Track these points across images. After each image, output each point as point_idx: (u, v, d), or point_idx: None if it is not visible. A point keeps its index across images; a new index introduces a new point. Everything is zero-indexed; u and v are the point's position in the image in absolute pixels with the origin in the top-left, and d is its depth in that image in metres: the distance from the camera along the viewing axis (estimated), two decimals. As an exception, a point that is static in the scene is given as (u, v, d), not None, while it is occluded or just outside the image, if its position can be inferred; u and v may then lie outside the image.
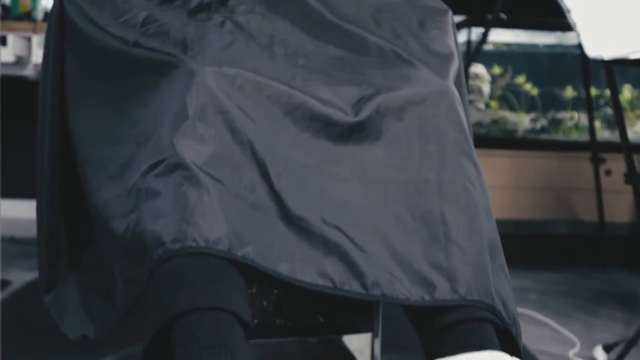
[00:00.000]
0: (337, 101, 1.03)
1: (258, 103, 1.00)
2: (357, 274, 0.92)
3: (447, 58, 1.20)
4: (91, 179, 1.08)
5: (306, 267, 0.91)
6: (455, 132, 1.06)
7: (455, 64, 1.21)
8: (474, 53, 2.76)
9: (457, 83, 1.21)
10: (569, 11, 2.14)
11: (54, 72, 1.23)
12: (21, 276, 2.65)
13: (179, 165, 0.91)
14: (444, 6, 1.39)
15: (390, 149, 1.03)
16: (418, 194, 1.00)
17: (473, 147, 1.08)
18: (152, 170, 0.92)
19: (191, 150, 0.92)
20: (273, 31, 1.21)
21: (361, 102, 1.04)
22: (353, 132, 1.02)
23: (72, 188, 1.25)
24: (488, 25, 2.71)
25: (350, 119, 1.02)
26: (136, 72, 1.06)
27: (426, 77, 1.10)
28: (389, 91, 1.06)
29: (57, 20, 1.22)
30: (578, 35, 2.07)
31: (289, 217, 0.93)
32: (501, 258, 1.03)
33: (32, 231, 3.48)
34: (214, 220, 0.88)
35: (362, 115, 1.03)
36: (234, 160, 0.95)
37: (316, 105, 1.02)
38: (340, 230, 0.94)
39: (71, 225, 1.31)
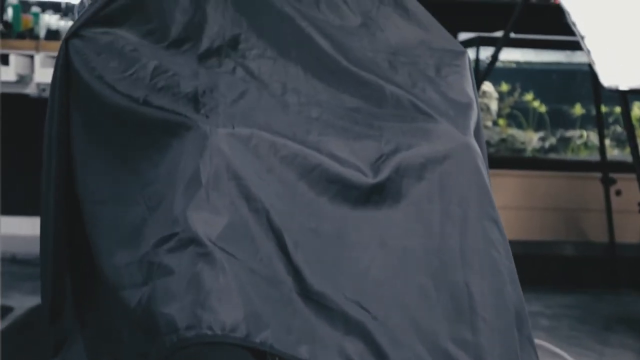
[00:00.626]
0: (354, 160, 0.99)
1: (273, 165, 0.96)
2: (380, 355, 0.88)
3: (466, 108, 1.15)
4: (100, 242, 1.04)
5: (327, 349, 0.87)
6: (477, 193, 1.02)
7: (475, 113, 1.17)
8: (484, 73, 2.72)
9: (477, 132, 1.17)
10: (582, 37, 2.10)
11: (59, 127, 1.18)
12: (23, 301, 2.61)
13: (193, 241, 0.86)
14: (460, 47, 1.35)
15: (411, 212, 0.98)
16: (441, 264, 0.96)
17: (496, 207, 1.04)
18: (165, 244, 0.88)
19: (205, 223, 0.88)
20: (285, 78, 1.17)
21: (380, 160, 1.00)
22: (372, 195, 0.98)
23: (76, 242, 1.20)
24: (499, 45, 2.66)
25: (369, 180, 0.98)
26: (146, 132, 1.02)
27: (446, 131, 1.05)
28: (408, 148, 1.02)
29: (62, 72, 1.17)
30: (592, 64, 2.02)
31: (307, 294, 0.89)
32: (528, 329, 0.99)
33: (33, 249, 3.45)
34: (231, 303, 0.84)
35: (382, 176, 0.99)
36: (249, 231, 0.90)
37: (333, 166, 0.98)
38: (361, 306, 0.90)
39: (76, 277, 1.27)
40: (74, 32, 1.18)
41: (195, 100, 1.02)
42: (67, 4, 3.92)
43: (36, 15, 3.73)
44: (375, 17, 1.37)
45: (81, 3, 1.36)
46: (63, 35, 3.37)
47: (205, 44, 1.23)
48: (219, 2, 1.31)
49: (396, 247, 0.96)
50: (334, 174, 0.97)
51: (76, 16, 1.38)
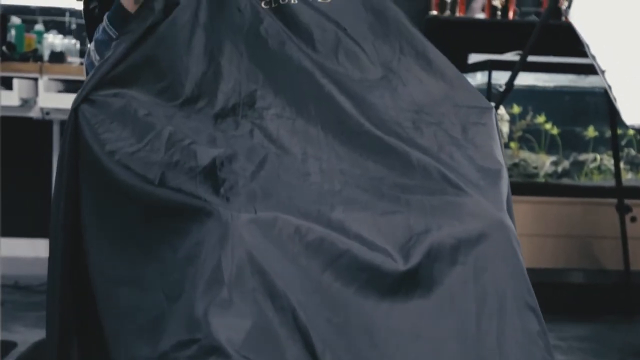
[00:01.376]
0: (383, 243, 0.93)
1: (297, 254, 0.90)
2: None
3: (496, 176, 1.10)
4: (115, 326, 0.98)
5: None
6: (513, 278, 0.96)
7: (506, 181, 1.12)
8: (499, 99, 2.65)
9: (507, 199, 1.12)
10: (603, 72, 2.04)
11: (67, 200, 1.12)
12: (27, 335, 2.56)
13: (215, 350, 0.81)
14: (486, 103, 1.29)
15: (445, 301, 0.92)
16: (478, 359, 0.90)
17: (532, 291, 0.98)
18: (185, 349, 0.83)
19: (227, 328, 0.82)
20: (305, 142, 1.12)
21: (410, 243, 0.94)
22: (402, 283, 0.92)
23: (84, 322, 1.14)
24: (515, 70, 2.60)
25: (400, 267, 0.92)
26: (164, 214, 0.95)
27: (479, 207, 1.00)
28: (439, 228, 0.95)
29: (71, 142, 1.10)
30: (614, 101, 1.96)
31: None
32: None
33: (34, 271, 3.40)
34: None
35: (413, 262, 0.92)
36: (274, 334, 0.85)
37: (362, 251, 0.92)
38: None
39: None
40: (84, 97, 1.11)
41: (213, 176, 0.96)
42: (70, 22, 3.88)
43: (39, 33, 3.68)
44: (396, 69, 1.31)
45: (88, 56, 1.30)
46: (67, 57, 3.34)
47: (220, 101, 1.18)
48: (233, 54, 1.26)
49: (430, 340, 0.91)
50: (363, 261, 0.91)
51: (84, 72, 1.32)
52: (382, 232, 0.95)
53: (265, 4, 1.34)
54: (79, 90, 1.14)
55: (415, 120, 1.19)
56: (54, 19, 3.90)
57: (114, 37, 1.23)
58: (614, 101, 1.98)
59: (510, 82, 2.55)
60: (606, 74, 2.02)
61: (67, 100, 3.05)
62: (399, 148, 1.09)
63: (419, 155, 1.07)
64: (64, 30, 3.85)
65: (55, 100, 3.05)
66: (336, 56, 1.31)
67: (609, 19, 2.11)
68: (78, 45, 3.67)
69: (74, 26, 3.83)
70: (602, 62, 2.04)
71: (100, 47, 1.25)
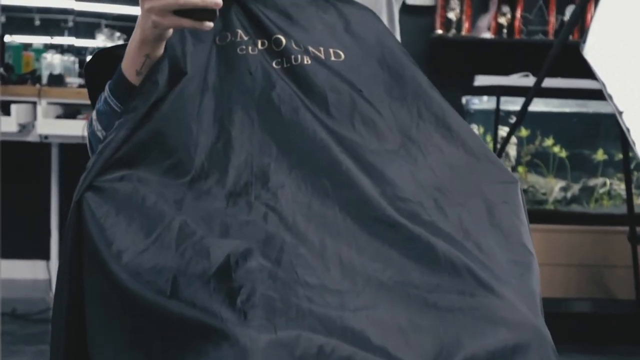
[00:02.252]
0: (411, 359, 0.86)
1: None
2: None
3: (527, 269, 1.04)
4: None
5: None
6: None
7: (536, 271, 1.06)
8: (512, 128, 2.58)
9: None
10: (620, 113, 1.98)
11: (70, 302, 1.04)
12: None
13: None
14: (511, 176, 1.23)
15: None
16: None
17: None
18: None
19: None
20: (323, 229, 1.05)
21: (440, 357, 0.87)
22: None
23: None
24: (529, 97, 2.53)
25: None
26: (177, 330, 0.88)
27: (512, 313, 0.93)
28: (471, 339, 0.89)
29: (74, 237, 1.03)
30: (632, 144, 1.90)
31: None
32: None
33: (32, 294, 3.34)
34: None
35: None
36: None
37: None
38: None
39: None
40: (89, 184, 1.04)
41: (228, 279, 0.89)
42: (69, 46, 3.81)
43: (38, 51, 3.61)
44: (415, 137, 1.24)
45: (90, 125, 1.23)
46: (66, 78, 3.27)
47: (231, 177, 1.11)
48: (244, 122, 1.19)
49: None
50: None
51: (87, 141, 1.25)
52: (409, 344, 0.88)
53: (276, 64, 1.28)
54: (83, 176, 1.06)
55: (437, 199, 1.12)
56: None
57: (117, 109, 1.16)
58: (632, 145, 1.91)
59: (521, 115, 2.48)
60: (624, 115, 1.96)
61: (65, 126, 2.99)
62: (424, 238, 1.02)
63: (444, 248, 1.00)
64: (62, 49, 3.79)
65: (53, 127, 2.98)
66: (352, 122, 1.24)
67: (626, 57, 2.04)
68: (77, 64, 3.61)
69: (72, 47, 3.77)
70: (619, 102, 1.98)
71: (102, 118, 1.18)
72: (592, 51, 2.08)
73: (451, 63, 3.74)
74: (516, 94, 3.13)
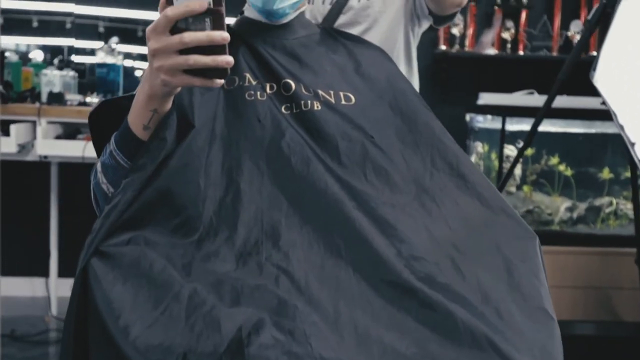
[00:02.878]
0: None
1: None
2: None
3: (550, 336, 1.00)
4: None
5: None
6: None
7: (558, 337, 1.02)
8: (518, 155, 2.54)
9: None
10: (633, 144, 1.94)
11: None
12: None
13: None
14: (529, 231, 1.19)
15: None
16: None
17: None
18: None
19: None
20: (337, 293, 1.01)
21: None
22: None
23: None
24: (539, 117, 2.48)
25: None
26: None
27: None
28: None
29: (79, 306, 0.99)
30: (646, 177, 1.86)
31: None
32: None
33: (30, 312, 3.30)
34: None
35: None
36: None
37: None
38: None
39: None
40: (95, 250, 1.00)
41: (241, 358, 0.86)
42: (68, 60, 3.77)
43: (37, 66, 3.57)
44: (429, 188, 1.21)
45: (95, 176, 1.18)
46: (65, 96, 3.23)
47: (241, 234, 1.07)
48: (254, 174, 1.15)
49: None
50: None
51: (91, 193, 1.20)
52: None
53: (286, 109, 1.24)
54: (88, 241, 1.02)
55: (454, 258, 1.09)
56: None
57: (123, 163, 1.12)
58: (645, 178, 1.88)
59: (529, 138, 2.44)
60: (636, 147, 1.92)
61: (65, 147, 2.95)
62: (441, 305, 0.98)
63: (463, 316, 0.97)
64: (62, 64, 3.75)
65: (53, 147, 2.95)
66: (364, 172, 1.20)
67: (638, 86, 2.00)
68: (76, 79, 3.57)
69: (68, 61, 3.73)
70: (631, 133, 1.94)
71: (108, 172, 1.14)
72: (603, 78, 2.05)
73: (455, 79, 3.71)
74: (522, 114, 3.10)
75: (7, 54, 3.56)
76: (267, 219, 1.10)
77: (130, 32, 3.85)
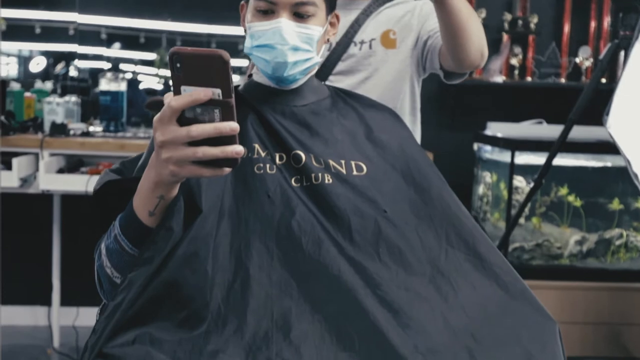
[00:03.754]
0: None
1: None
2: None
3: None
4: None
5: None
6: None
7: None
8: (529, 195, 2.50)
9: None
10: (636, 175, 1.91)
11: None
12: None
13: None
14: (547, 315, 1.15)
15: None
16: None
17: None
18: None
19: None
20: None
21: None
22: None
23: None
24: (553, 151, 2.44)
25: None
26: None
27: None
28: None
29: None
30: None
31: None
32: None
33: (32, 341, 3.26)
34: None
35: None
36: None
37: None
38: None
39: None
40: (98, 352, 0.96)
41: None
42: (67, 86, 3.74)
43: (40, 93, 3.54)
44: (444, 269, 1.17)
45: (99, 257, 1.14)
46: (68, 125, 3.20)
47: (250, 325, 1.04)
48: (263, 257, 1.12)
49: None
50: None
51: (98, 281, 1.17)
52: None
53: (296, 182, 1.20)
54: (92, 342, 0.99)
55: (471, 349, 1.05)
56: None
57: (128, 249, 1.08)
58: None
59: (539, 179, 2.40)
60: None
61: (68, 182, 2.91)
62: None
63: None
64: (65, 91, 3.72)
65: (55, 182, 2.91)
66: (377, 251, 1.17)
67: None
68: (79, 105, 3.54)
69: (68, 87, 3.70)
70: (636, 168, 1.90)
71: (112, 256, 1.10)
72: (615, 124, 2.01)
73: (462, 106, 3.67)
74: (532, 148, 3.06)
75: (11, 83, 3.53)
76: (277, 308, 1.07)
77: (133, 39, 3.89)
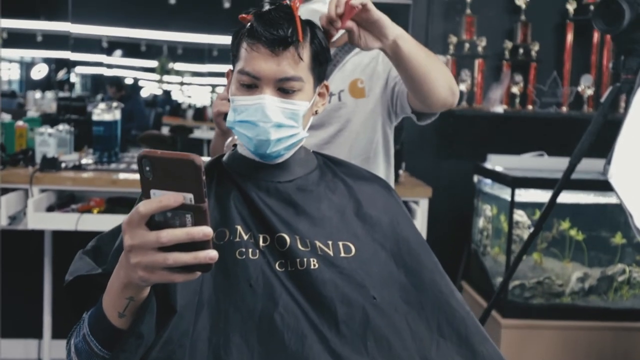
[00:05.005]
0: None
1: None
2: None
3: None
4: None
5: None
6: None
7: None
8: (529, 240, 2.43)
9: None
10: (638, 230, 1.84)
11: None
12: None
13: None
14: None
15: None
16: None
17: None
18: None
19: None
20: None
21: None
22: None
23: None
24: (558, 189, 2.36)
25: None
26: None
27: None
28: None
29: None
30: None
31: None
32: None
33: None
34: None
35: None
36: None
37: None
38: None
39: None
40: None
41: None
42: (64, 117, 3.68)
43: (31, 121, 3.48)
44: None
45: (68, 354, 1.08)
46: (60, 157, 3.13)
47: None
48: (243, 353, 1.06)
49: None
50: None
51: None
52: None
53: (280, 266, 1.14)
54: None
55: None
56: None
57: (97, 351, 1.01)
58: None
59: (539, 224, 2.33)
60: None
61: (57, 221, 2.84)
62: None
63: None
64: (57, 120, 3.66)
65: (44, 222, 2.84)
66: (364, 344, 1.10)
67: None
68: (72, 134, 3.48)
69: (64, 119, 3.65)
70: (638, 223, 1.84)
71: (81, 356, 1.04)
72: (617, 174, 1.94)
73: (462, 136, 3.60)
74: (531, 186, 2.99)
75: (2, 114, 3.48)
76: None
77: (134, 46, 3.91)
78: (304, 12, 1.27)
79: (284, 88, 1.18)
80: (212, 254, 0.90)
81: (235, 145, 1.33)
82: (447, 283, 1.22)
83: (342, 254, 1.19)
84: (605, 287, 3.06)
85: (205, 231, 0.89)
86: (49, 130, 3.34)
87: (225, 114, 1.56)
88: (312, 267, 1.15)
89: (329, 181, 1.30)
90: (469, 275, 3.48)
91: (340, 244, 1.20)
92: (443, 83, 1.45)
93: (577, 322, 2.92)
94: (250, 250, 1.15)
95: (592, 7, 3.49)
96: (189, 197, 0.88)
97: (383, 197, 1.32)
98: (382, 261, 1.21)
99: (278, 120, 1.17)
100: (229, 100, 1.24)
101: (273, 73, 1.16)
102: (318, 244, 1.18)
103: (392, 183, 1.82)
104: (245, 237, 1.16)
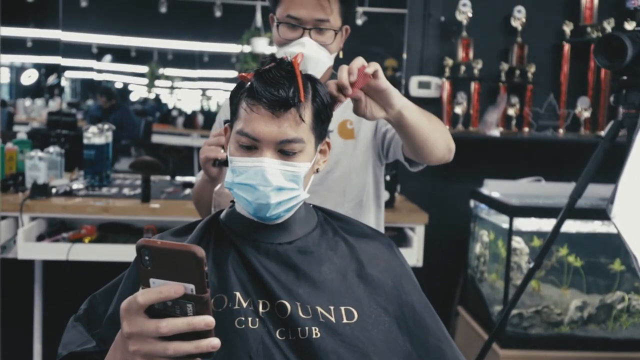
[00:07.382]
0: None
1: None
2: None
3: None
4: None
5: None
6: None
7: None
8: (528, 274, 2.39)
9: None
10: None
11: None
12: None
13: None
14: None
15: None
16: None
17: None
18: None
19: None
20: None
21: None
22: None
23: None
24: (561, 219, 2.33)
25: None
26: None
27: None
28: None
29: None
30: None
31: None
32: None
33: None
34: None
35: None
36: None
37: None
38: None
39: None
40: None
41: None
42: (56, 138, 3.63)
43: (21, 143, 3.43)
44: None
45: None
46: (50, 182, 3.08)
47: None
48: None
49: None
50: None
51: None
52: None
53: (280, 334, 1.10)
54: None
55: None
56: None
57: None
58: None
59: (539, 258, 2.30)
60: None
61: (47, 250, 2.79)
62: None
63: None
64: (47, 142, 3.61)
65: (34, 252, 2.79)
66: None
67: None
68: (63, 156, 3.43)
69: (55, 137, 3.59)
70: None
71: None
72: (621, 214, 1.90)
73: (458, 160, 3.55)
74: (530, 214, 2.96)
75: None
76: None
77: (124, 52, 3.90)
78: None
79: (284, 150, 1.14)
80: (214, 342, 0.87)
81: (233, 202, 1.29)
82: (453, 350, 1.18)
83: (345, 320, 1.15)
84: (604, 315, 3.02)
85: (207, 321, 0.86)
86: (39, 154, 3.29)
87: (214, 160, 1.52)
88: (314, 336, 1.11)
89: (330, 240, 1.26)
90: (465, 301, 3.44)
91: (342, 309, 1.16)
92: (442, 142, 1.46)
93: (577, 352, 2.89)
94: (250, 319, 1.11)
95: (588, 29, 3.46)
96: (190, 288, 0.84)
97: (385, 256, 1.28)
98: (385, 327, 1.17)
99: (278, 183, 1.13)
100: (223, 148, 1.19)
101: (274, 136, 1.12)
102: (319, 309, 1.14)
103: (381, 227, 1.83)
104: (245, 304, 1.12)
